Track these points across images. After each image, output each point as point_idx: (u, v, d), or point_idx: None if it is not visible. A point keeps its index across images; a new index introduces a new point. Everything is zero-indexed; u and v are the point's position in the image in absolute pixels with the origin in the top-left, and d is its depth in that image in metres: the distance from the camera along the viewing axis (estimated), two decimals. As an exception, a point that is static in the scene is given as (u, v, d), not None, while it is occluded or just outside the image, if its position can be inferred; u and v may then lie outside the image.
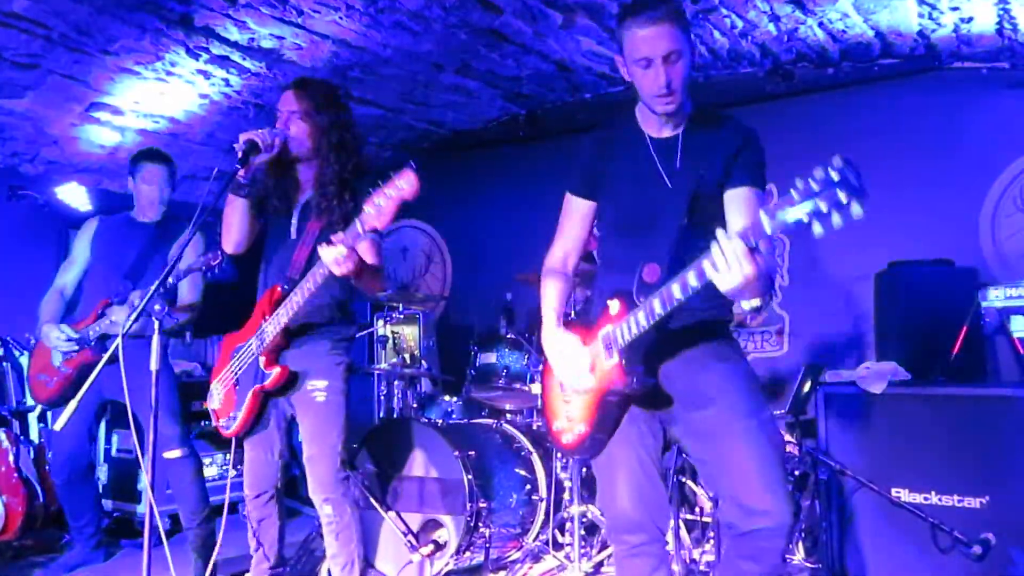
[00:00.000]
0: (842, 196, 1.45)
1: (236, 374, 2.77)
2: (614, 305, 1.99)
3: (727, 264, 1.61)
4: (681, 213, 2.00)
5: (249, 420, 2.74)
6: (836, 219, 1.47)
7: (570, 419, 2.12)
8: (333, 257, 2.33)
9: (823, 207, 1.47)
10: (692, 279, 1.73)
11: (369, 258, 2.57)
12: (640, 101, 2.07)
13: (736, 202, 1.99)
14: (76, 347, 3.32)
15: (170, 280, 3.06)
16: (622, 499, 2.05)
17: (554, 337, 2.13)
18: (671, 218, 2.01)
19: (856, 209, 1.45)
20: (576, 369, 2.05)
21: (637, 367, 1.97)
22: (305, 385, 2.69)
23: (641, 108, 2.10)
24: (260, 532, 2.82)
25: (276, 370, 2.65)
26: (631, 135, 2.13)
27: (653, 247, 2.00)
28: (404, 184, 2.18)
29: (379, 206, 2.23)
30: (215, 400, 2.85)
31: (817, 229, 1.49)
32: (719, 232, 1.64)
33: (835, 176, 1.46)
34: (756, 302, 1.65)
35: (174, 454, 3.35)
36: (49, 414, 4.39)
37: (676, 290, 1.78)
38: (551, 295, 2.22)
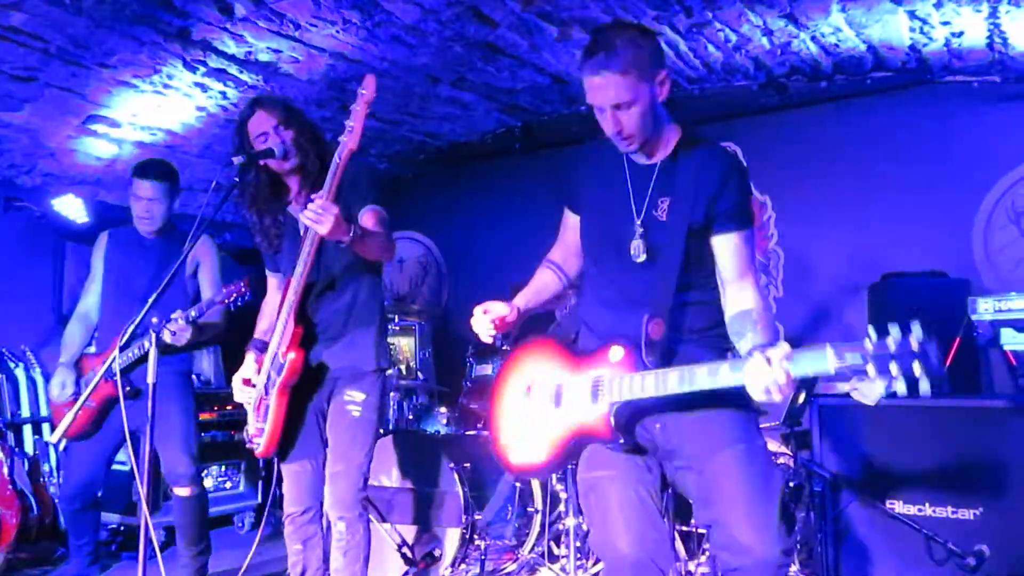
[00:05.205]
0: (917, 369, 1.45)
1: (262, 387, 2.62)
2: (616, 352, 1.87)
3: (768, 392, 1.61)
4: (676, 258, 1.90)
5: (279, 429, 2.55)
6: (901, 387, 1.46)
7: (526, 440, 2.01)
8: (311, 213, 2.23)
9: (894, 371, 1.46)
10: (724, 378, 1.68)
11: (369, 224, 2.52)
12: None
13: (726, 249, 1.91)
14: (69, 398, 3.26)
15: (192, 312, 3.06)
16: (620, 540, 1.90)
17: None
18: (665, 262, 1.91)
19: (925, 386, 1.44)
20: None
21: (623, 423, 1.85)
22: (343, 393, 2.59)
23: None
24: (306, 555, 2.67)
25: (292, 356, 2.49)
26: (612, 156, 2.03)
27: (647, 289, 1.91)
28: (364, 91, 2.32)
29: (350, 127, 2.33)
30: (250, 427, 2.64)
31: (879, 388, 1.48)
32: (758, 356, 1.61)
33: (915, 347, 1.46)
34: None
35: (183, 492, 3.31)
36: (45, 427, 4.39)
37: (702, 378, 1.71)
38: (532, 282, 2.22)
